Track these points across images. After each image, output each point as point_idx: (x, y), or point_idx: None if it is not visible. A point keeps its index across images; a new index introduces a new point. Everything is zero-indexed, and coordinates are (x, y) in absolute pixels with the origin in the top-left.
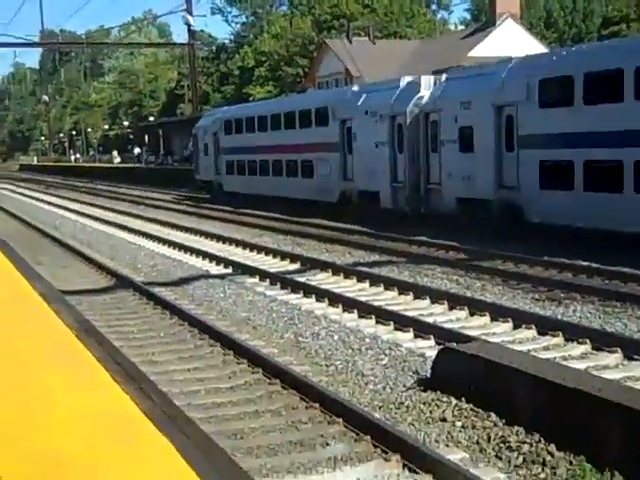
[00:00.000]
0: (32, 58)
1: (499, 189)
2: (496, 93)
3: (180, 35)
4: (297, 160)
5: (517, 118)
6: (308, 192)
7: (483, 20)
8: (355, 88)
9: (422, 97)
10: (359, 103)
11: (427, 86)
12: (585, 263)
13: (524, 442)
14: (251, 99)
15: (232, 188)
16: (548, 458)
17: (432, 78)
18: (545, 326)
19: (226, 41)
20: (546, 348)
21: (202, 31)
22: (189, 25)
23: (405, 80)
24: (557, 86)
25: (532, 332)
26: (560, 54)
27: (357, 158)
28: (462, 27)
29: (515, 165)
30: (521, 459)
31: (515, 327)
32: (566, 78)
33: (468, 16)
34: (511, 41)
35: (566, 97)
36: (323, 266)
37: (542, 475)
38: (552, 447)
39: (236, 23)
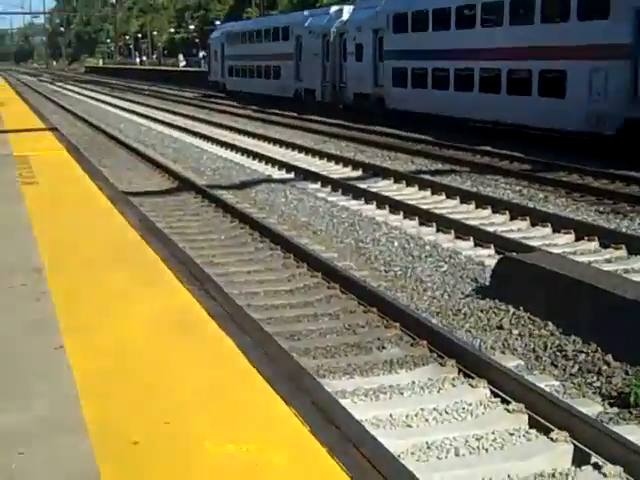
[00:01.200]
0: None
1: (374, 87)
2: (374, 21)
3: None
4: (270, 66)
5: (383, 39)
6: (276, 90)
7: None
8: (305, 13)
9: (342, 21)
10: (306, 24)
11: (347, 13)
12: None
13: (581, 351)
14: (318, 5)
15: (232, 87)
16: (604, 368)
17: (352, 7)
18: (608, 238)
19: None
20: (608, 260)
21: None
22: None
23: (333, 8)
24: (400, 19)
25: (594, 244)
26: None
27: (303, 65)
28: None
29: (382, 71)
30: (577, 368)
31: (577, 239)
32: (404, 14)
33: None
34: None
35: (404, 26)
36: (385, 173)
37: (597, 384)
38: (609, 357)
39: None
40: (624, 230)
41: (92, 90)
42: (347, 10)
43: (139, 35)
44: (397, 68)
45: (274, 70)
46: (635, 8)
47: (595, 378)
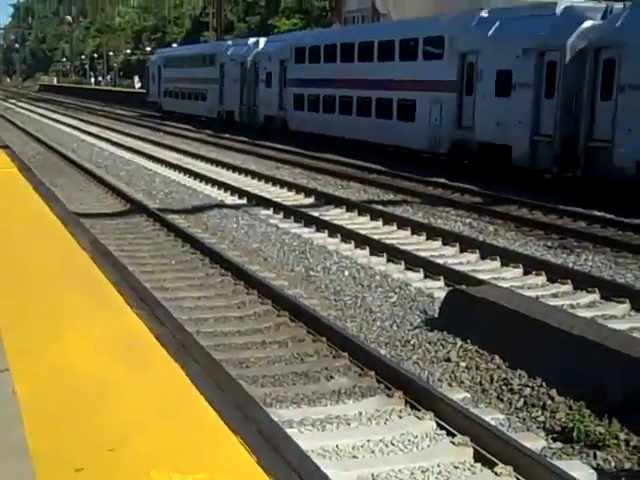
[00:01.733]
0: None
1: (279, 110)
2: (281, 52)
3: None
4: (199, 89)
5: (287, 69)
6: (203, 111)
7: None
8: (229, 42)
9: (257, 51)
10: (229, 53)
11: (263, 44)
12: (600, 213)
13: (526, 385)
14: (276, 31)
15: (167, 107)
16: (548, 402)
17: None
18: (555, 273)
19: None
20: (555, 295)
21: None
22: None
23: (251, 40)
24: (300, 52)
25: (542, 279)
26: (303, 35)
27: (226, 89)
28: None
29: (285, 96)
30: (522, 402)
31: (525, 273)
32: (302, 48)
33: None
34: None
35: (303, 58)
36: (337, 202)
37: (541, 418)
38: (553, 392)
39: None
40: (571, 265)
41: (46, 109)
42: (263, 41)
43: (95, 55)
44: (297, 94)
45: (202, 93)
46: (460, 52)
47: (540, 412)
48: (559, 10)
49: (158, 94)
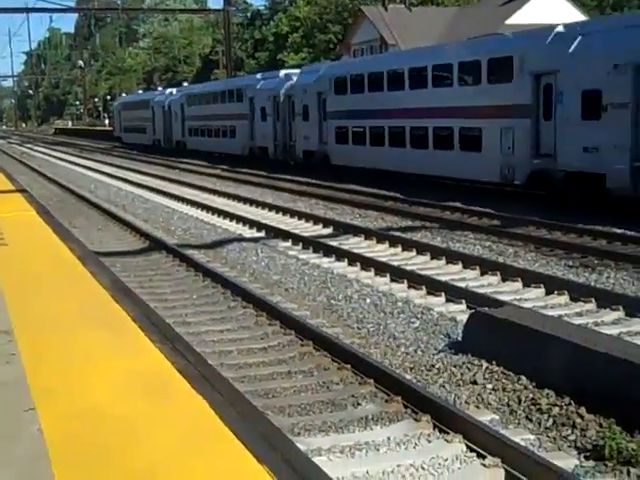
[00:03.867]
0: (68, 23)
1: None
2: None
3: (216, 1)
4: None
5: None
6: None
7: None
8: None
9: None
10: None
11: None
12: (619, 230)
13: (554, 404)
14: (286, 65)
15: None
16: (578, 420)
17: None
18: (577, 292)
19: (261, 7)
20: (578, 314)
21: None
22: None
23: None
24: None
25: (564, 298)
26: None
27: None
28: None
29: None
30: (551, 421)
31: (547, 293)
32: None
33: None
34: (549, 9)
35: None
36: (356, 230)
37: (572, 437)
38: (582, 410)
39: None
40: (593, 284)
41: (61, 151)
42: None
43: (108, 97)
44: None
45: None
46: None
47: (570, 431)
48: None
49: (120, 128)
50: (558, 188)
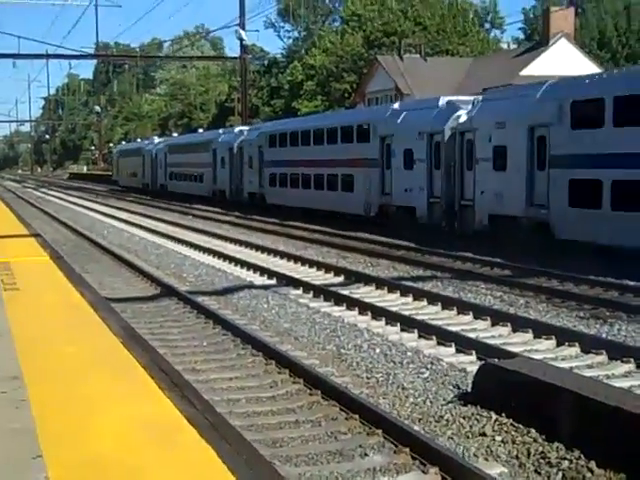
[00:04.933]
0: (86, 70)
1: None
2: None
3: (232, 49)
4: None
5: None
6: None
7: (536, 39)
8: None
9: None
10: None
11: (247, 132)
12: (632, 283)
13: (564, 458)
14: (300, 113)
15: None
16: (588, 475)
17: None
18: (589, 344)
19: (278, 55)
20: (589, 366)
21: (254, 45)
22: (242, 40)
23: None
24: (272, 138)
25: (575, 350)
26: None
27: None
28: (515, 46)
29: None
30: (560, 475)
31: (558, 345)
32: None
33: (521, 35)
34: (564, 60)
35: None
36: (367, 279)
37: None
38: (592, 464)
39: (288, 38)
40: (604, 335)
41: (76, 196)
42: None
43: (123, 142)
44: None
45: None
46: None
47: None
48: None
49: (116, 172)
50: (394, 218)
